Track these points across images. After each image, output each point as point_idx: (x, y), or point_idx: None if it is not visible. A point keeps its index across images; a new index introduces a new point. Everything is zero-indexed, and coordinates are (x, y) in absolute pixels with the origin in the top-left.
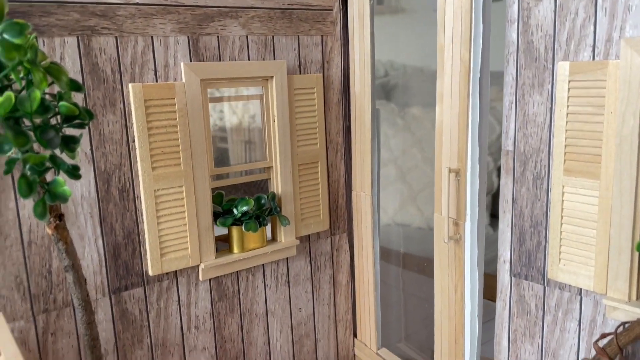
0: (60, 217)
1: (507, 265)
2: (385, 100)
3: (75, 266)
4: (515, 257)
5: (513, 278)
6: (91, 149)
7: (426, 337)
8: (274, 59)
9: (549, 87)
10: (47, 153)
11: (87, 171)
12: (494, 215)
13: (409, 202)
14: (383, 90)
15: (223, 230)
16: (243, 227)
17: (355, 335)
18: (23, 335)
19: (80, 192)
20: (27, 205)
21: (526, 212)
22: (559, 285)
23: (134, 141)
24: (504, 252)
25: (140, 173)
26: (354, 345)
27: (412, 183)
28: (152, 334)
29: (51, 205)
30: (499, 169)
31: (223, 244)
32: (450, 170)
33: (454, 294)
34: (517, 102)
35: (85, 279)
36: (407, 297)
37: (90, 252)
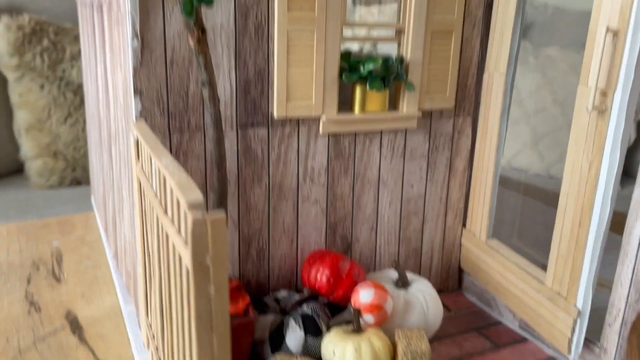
0: (203, 30)
1: None
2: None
3: (211, 82)
4: None
5: None
6: None
7: (543, 237)
8: None
9: None
10: None
11: (228, 1)
12: None
13: (530, 147)
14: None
15: (344, 95)
16: (367, 84)
17: (464, 225)
18: None
19: (220, 21)
20: (174, 24)
21: None
22: None
23: None
24: None
25: (276, 12)
26: (461, 235)
27: (536, 126)
28: (270, 176)
29: (196, 18)
30: None
31: (343, 107)
32: (608, 30)
33: (587, 172)
34: None
35: (219, 99)
36: (525, 205)
37: (224, 83)
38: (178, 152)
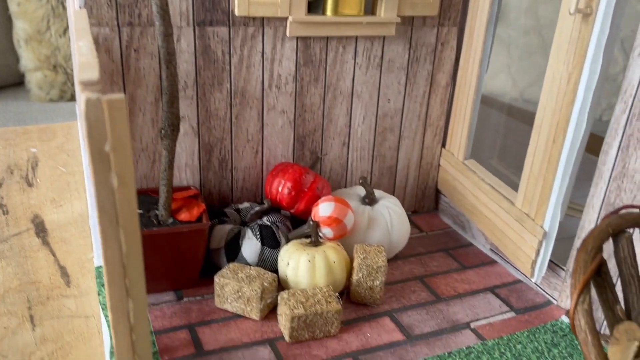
0: None
1: None
2: None
3: None
4: None
5: None
6: None
7: (523, 158)
8: None
9: None
10: None
11: None
12: None
13: (504, 70)
14: None
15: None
16: None
17: (444, 146)
18: (108, 44)
19: None
20: None
21: None
22: None
23: None
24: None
25: None
26: (440, 155)
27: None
28: (232, 81)
29: None
30: None
31: (315, 10)
32: None
33: (566, 85)
34: None
35: None
36: (507, 126)
37: None
38: (129, 50)
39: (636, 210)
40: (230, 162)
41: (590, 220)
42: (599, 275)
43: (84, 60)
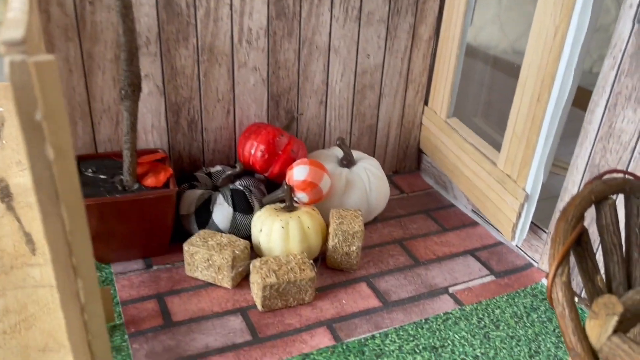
0: None
1: (633, 11)
2: None
3: None
4: None
5: (637, 25)
6: None
7: (505, 114)
8: None
9: None
10: None
11: None
12: None
13: (494, 21)
14: None
15: None
16: None
17: (426, 103)
18: None
19: None
20: None
21: None
22: None
23: None
24: None
25: None
26: (422, 113)
27: None
28: (199, 35)
29: None
30: None
31: None
32: None
33: (552, 39)
34: None
35: None
36: (493, 82)
37: None
38: (84, 2)
39: (620, 175)
40: (200, 123)
41: (573, 181)
42: (579, 245)
43: (11, 17)
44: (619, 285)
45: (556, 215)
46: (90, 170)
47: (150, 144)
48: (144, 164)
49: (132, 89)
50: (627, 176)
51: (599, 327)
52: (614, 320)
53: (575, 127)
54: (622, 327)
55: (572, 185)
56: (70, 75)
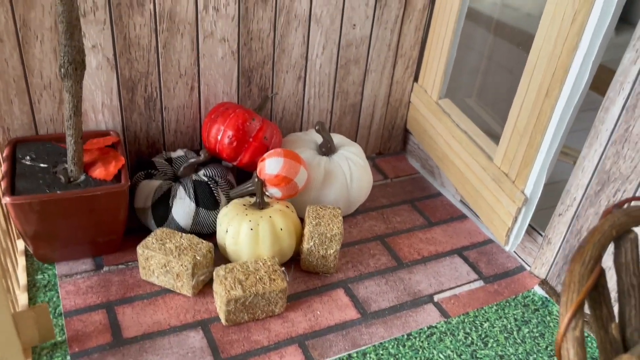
0: None
1: None
2: None
3: None
4: None
5: None
6: None
7: (504, 99)
8: None
9: None
10: None
11: None
12: None
13: None
14: None
15: None
16: None
17: (416, 80)
18: None
19: None
20: None
21: None
22: None
23: None
24: None
25: None
26: (412, 90)
27: None
28: (156, 1)
29: None
30: None
31: None
32: None
33: (569, 26)
34: None
35: None
36: (491, 63)
37: None
38: None
39: None
40: (159, 101)
41: (578, 185)
42: (594, 289)
43: None
44: (634, 332)
45: (555, 219)
46: (28, 157)
47: (100, 124)
48: (92, 150)
49: (74, 66)
50: None
51: None
52: None
53: (588, 108)
54: None
55: (576, 189)
56: (1, 45)
